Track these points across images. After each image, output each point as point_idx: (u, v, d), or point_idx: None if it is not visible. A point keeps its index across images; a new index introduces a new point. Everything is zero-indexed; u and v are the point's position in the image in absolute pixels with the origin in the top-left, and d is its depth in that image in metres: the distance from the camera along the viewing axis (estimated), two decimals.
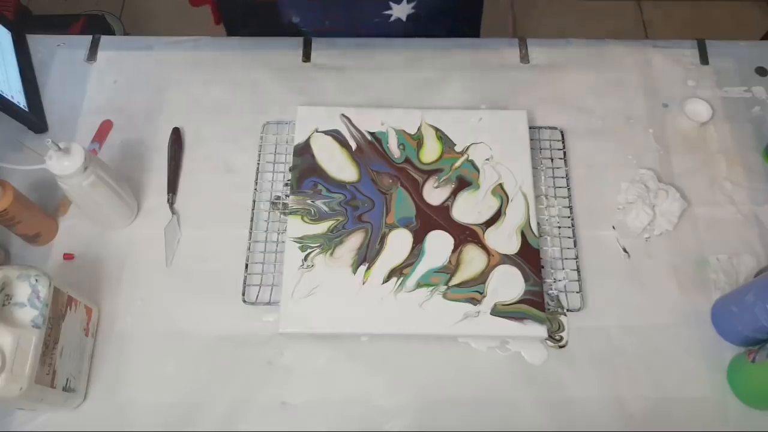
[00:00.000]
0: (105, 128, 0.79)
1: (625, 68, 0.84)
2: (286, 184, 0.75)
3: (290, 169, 0.74)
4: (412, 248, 0.69)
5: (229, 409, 0.65)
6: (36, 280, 0.58)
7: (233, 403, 0.65)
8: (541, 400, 0.65)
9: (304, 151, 0.74)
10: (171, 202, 0.74)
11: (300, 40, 0.86)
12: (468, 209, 0.71)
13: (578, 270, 0.70)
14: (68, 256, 0.72)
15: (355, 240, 0.69)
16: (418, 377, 0.66)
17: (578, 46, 0.86)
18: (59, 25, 1.53)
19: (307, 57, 0.85)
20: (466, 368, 0.67)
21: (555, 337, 0.68)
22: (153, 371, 0.66)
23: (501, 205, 0.71)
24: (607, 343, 0.68)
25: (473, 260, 0.68)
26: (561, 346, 0.68)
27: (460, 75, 0.84)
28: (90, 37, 0.86)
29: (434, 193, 0.72)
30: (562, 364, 0.67)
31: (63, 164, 0.62)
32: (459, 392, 0.66)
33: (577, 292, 0.69)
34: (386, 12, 0.84)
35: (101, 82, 0.83)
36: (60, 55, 0.85)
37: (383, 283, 0.67)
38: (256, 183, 0.75)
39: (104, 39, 0.86)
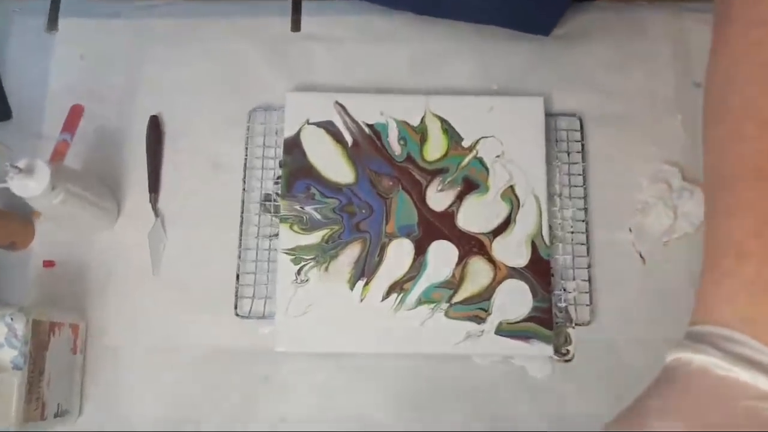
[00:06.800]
0: (75, 114, 0.71)
1: (654, 38, 0.74)
2: (276, 182, 0.69)
3: (280, 165, 0.68)
4: (414, 260, 0.64)
5: (225, 425, 0.64)
6: (12, 319, 0.54)
7: (229, 419, 0.64)
8: (543, 414, 0.64)
9: (294, 146, 0.67)
10: (153, 202, 0.69)
11: (288, 4, 0.75)
12: (475, 216, 0.65)
13: (589, 280, 0.66)
14: (48, 264, 0.67)
15: (352, 252, 0.64)
16: (418, 393, 0.64)
17: (600, 11, 0.75)
18: None
19: (296, 26, 0.75)
20: (468, 382, 0.65)
21: (561, 350, 0.65)
22: (146, 385, 0.65)
23: (511, 211, 0.65)
24: (616, 358, 0.65)
25: (478, 274, 0.64)
26: (567, 360, 0.65)
27: (469, 48, 0.74)
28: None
29: (438, 198, 0.66)
30: (567, 378, 0.65)
31: (27, 185, 0.56)
32: (460, 407, 0.64)
33: (587, 305, 0.66)
34: None
35: (66, 56, 0.74)
36: (17, 23, 0.75)
37: (382, 300, 0.63)
38: (245, 182, 0.69)
39: (65, 2, 0.76)
